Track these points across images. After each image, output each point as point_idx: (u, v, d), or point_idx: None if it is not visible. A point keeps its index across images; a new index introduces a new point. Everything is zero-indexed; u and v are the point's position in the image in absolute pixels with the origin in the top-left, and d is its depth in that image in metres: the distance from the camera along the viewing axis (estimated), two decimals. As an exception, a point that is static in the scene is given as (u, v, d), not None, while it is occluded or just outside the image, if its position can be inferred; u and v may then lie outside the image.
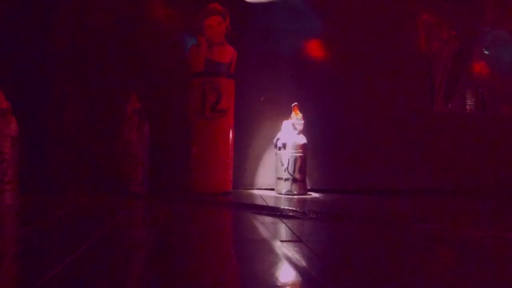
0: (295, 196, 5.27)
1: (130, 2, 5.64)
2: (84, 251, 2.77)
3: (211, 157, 5.25)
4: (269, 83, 5.77)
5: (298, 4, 5.85)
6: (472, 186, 5.93)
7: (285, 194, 5.34)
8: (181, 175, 5.33)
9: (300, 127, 5.41)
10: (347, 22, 5.94)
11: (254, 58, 5.69)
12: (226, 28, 5.34)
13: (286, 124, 5.45)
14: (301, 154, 5.38)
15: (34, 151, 5.24)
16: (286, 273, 2.50)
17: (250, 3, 5.73)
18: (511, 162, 6.16)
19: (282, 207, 4.39)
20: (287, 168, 5.34)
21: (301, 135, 5.42)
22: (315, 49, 5.93)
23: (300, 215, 4.11)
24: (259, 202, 4.83)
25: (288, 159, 5.35)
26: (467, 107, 6.43)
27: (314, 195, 5.45)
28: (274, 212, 4.20)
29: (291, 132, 5.40)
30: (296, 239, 3.24)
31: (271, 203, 4.79)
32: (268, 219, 3.95)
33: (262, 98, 5.77)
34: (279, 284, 2.30)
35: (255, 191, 5.62)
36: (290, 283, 2.36)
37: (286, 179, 5.36)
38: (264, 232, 3.55)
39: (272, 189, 5.60)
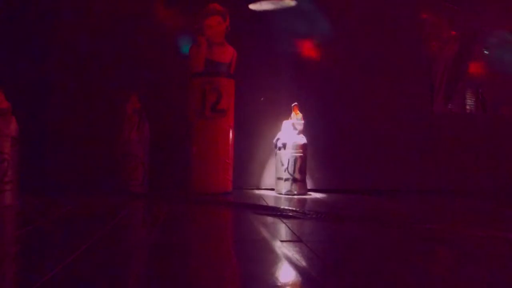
0: (295, 196, 5.27)
1: (130, 2, 5.64)
2: (84, 251, 2.77)
3: (211, 157, 5.25)
4: (269, 83, 5.77)
5: (299, 4, 5.85)
6: (472, 186, 5.93)
7: (285, 194, 5.34)
8: (181, 175, 5.34)
9: (300, 127, 5.41)
10: (347, 22, 5.93)
11: (254, 58, 5.69)
12: (226, 28, 5.34)
13: (286, 124, 5.45)
14: (301, 154, 5.38)
15: (34, 151, 5.24)
16: (286, 273, 2.50)
17: (250, 3, 5.73)
18: (511, 162, 6.16)
19: (282, 207, 4.39)
20: (287, 168, 5.34)
21: (301, 135, 5.42)
22: (315, 49, 5.93)
23: (300, 215, 4.11)
24: (259, 202, 4.83)
25: (288, 159, 5.35)
26: (467, 107, 6.42)
27: (314, 195, 5.46)
28: (274, 212, 4.20)
29: (291, 132, 5.40)
30: (296, 239, 3.24)
31: (271, 203, 4.79)
32: (268, 219, 3.95)
33: (262, 98, 5.77)
34: (279, 284, 2.30)
35: (255, 191, 5.63)
36: (290, 283, 2.36)
37: (286, 179, 5.36)
38: (264, 232, 3.55)
39: (272, 189, 5.60)
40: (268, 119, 5.70)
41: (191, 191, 5.26)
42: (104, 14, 5.54)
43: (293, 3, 5.43)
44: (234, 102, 5.40)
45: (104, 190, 5.17)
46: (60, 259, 2.55)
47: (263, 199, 5.03)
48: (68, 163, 5.39)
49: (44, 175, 5.27)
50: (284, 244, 3.06)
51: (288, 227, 3.62)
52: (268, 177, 5.75)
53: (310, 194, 5.45)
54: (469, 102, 6.42)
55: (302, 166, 5.38)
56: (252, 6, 5.46)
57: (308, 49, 5.95)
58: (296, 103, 5.45)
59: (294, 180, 5.34)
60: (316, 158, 5.77)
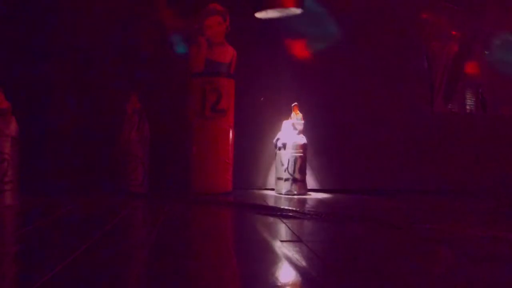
0: (295, 196, 5.27)
1: (130, 2, 5.64)
2: (84, 251, 2.77)
3: (211, 157, 5.26)
4: (269, 83, 5.77)
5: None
6: (472, 186, 5.93)
7: (285, 194, 5.34)
8: (181, 175, 5.34)
9: (300, 127, 5.41)
10: (348, 22, 5.93)
11: (254, 58, 5.69)
12: (226, 28, 5.34)
13: (286, 124, 5.45)
14: (301, 154, 5.38)
15: (34, 151, 5.24)
16: (286, 273, 2.50)
17: (249, 3, 5.73)
18: (511, 162, 6.15)
19: (282, 207, 4.39)
20: (287, 168, 5.34)
21: (301, 135, 5.42)
22: (315, 49, 5.93)
23: (300, 215, 4.11)
24: (259, 202, 4.83)
25: (288, 159, 5.35)
26: (467, 107, 6.42)
27: (314, 195, 5.45)
28: (274, 212, 4.20)
29: (291, 132, 5.40)
30: (296, 239, 3.24)
31: (271, 203, 4.79)
32: (268, 219, 3.95)
33: (262, 98, 5.77)
34: (279, 284, 2.30)
35: (255, 191, 5.63)
36: (290, 283, 2.36)
37: (286, 179, 5.36)
38: (264, 232, 3.55)
39: (272, 189, 5.60)
40: (268, 119, 5.70)
41: (191, 191, 5.26)
42: (104, 14, 5.53)
43: (298, 11, 5.44)
44: (234, 102, 5.40)
45: (104, 190, 5.17)
46: (60, 259, 2.55)
47: (263, 199, 5.03)
48: (68, 163, 5.39)
49: (44, 175, 5.27)
50: (284, 244, 3.06)
51: (288, 227, 3.62)
52: (268, 177, 5.75)
53: (310, 194, 5.45)
54: (469, 102, 6.42)
55: (302, 166, 5.38)
56: (258, 15, 5.48)
57: (308, 49, 5.94)
58: (296, 103, 5.45)
59: (294, 180, 5.34)
60: (316, 158, 5.77)
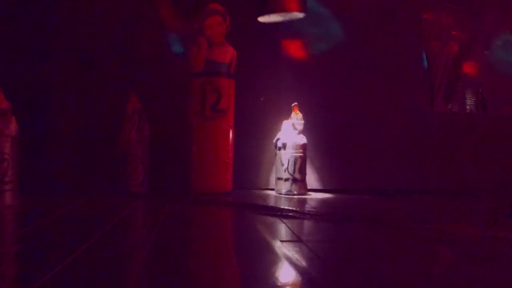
0: (295, 196, 5.27)
1: (130, 2, 5.64)
2: (84, 251, 2.77)
3: (211, 157, 5.25)
4: (269, 83, 5.77)
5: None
6: (472, 186, 5.93)
7: (285, 194, 5.34)
8: (181, 175, 5.33)
9: (300, 127, 5.41)
10: (348, 22, 5.93)
11: (254, 58, 5.69)
12: (226, 28, 5.34)
13: (286, 124, 5.45)
14: (301, 154, 5.38)
15: (34, 151, 5.24)
16: (286, 273, 2.50)
17: (249, 3, 5.73)
18: (511, 162, 6.15)
19: (282, 207, 4.39)
20: (287, 168, 5.34)
21: (301, 135, 5.42)
22: (315, 49, 5.93)
23: (300, 215, 4.11)
24: (259, 202, 4.83)
25: (288, 159, 5.35)
26: (467, 107, 6.42)
27: (314, 195, 5.45)
28: (274, 212, 4.20)
29: (291, 132, 5.40)
30: (296, 239, 3.24)
31: (271, 203, 4.79)
32: (268, 219, 3.95)
33: (262, 98, 5.77)
34: (279, 284, 2.30)
35: (255, 191, 5.62)
36: (290, 283, 2.36)
37: (286, 179, 5.36)
38: (264, 232, 3.55)
39: (272, 189, 5.60)
40: (268, 119, 5.69)
41: (191, 191, 5.26)
42: (104, 14, 5.53)
43: (301, 15, 5.46)
44: (234, 102, 5.40)
45: (104, 190, 5.17)
46: (60, 259, 2.55)
47: (263, 199, 5.03)
48: (68, 163, 5.39)
49: (44, 175, 5.26)
50: (284, 244, 3.06)
51: (288, 227, 3.62)
52: (268, 177, 5.75)
53: (310, 194, 5.45)
54: (469, 102, 6.42)
55: (302, 166, 5.37)
56: (261, 19, 5.49)
57: (308, 49, 5.94)
58: (296, 103, 5.44)
59: (294, 180, 5.34)
60: (316, 158, 5.77)
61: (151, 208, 4.66)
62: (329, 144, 5.83)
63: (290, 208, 4.31)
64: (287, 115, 5.47)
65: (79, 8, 5.57)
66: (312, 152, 5.66)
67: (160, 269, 2.53)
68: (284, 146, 5.38)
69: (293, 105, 5.44)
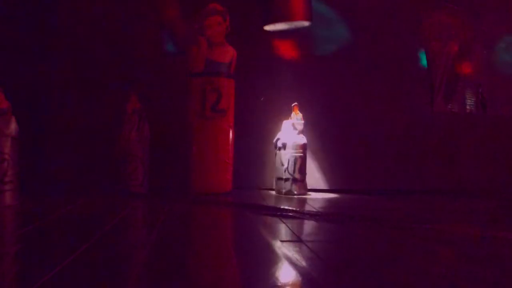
0: (295, 196, 5.27)
1: (130, 2, 5.64)
2: (84, 251, 2.77)
3: (211, 157, 5.25)
4: (269, 83, 5.77)
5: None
6: (472, 186, 5.93)
7: (285, 194, 5.33)
8: (181, 175, 5.33)
9: (300, 127, 5.41)
10: (348, 22, 5.94)
11: (254, 58, 5.69)
12: (226, 28, 5.34)
13: (286, 124, 5.45)
14: (301, 154, 5.38)
15: (34, 151, 5.24)
16: (286, 273, 2.50)
17: (249, 3, 5.73)
18: (511, 162, 6.15)
19: (282, 207, 4.39)
20: (287, 168, 5.34)
21: (301, 135, 5.42)
22: (315, 49, 5.93)
23: (300, 215, 4.11)
24: (259, 202, 4.83)
25: (288, 159, 5.35)
26: (467, 107, 6.42)
27: (314, 195, 5.45)
28: (274, 212, 4.20)
29: (291, 132, 5.40)
30: (296, 239, 3.24)
31: (271, 203, 4.79)
32: (268, 219, 3.95)
33: (262, 98, 5.77)
34: (279, 284, 2.30)
35: (255, 191, 5.62)
36: (290, 283, 2.36)
37: (286, 179, 5.36)
38: (264, 232, 3.55)
39: (272, 189, 5.60)
40: (268, 119, 5.69)
41: (191, 191, 5.26)
42: (104, 14, 5.53)
43: (307, 24, 5.48)
44: (234, 102, 5.40)
45: (104, 190, 5.17)
46: (60, 259, 2.55)
47: (263, 199, 5.03)
48: (68, 163, 5.39)
49: (44, 175, 5.27)
50: (284, 244, 3.06)
51: (288, 227, 3.62)
52: (268, 177, 5.74)
53: (310, 194, 5.45)
54: (469, 102, 6.42)
55: (302, 166, 5.37)
56: (267, 27, 5.51)
57: (308, 49, 5.94)
58: (296, 103, 5.44)
59: (294, 180, 5.34)
60: (316, 158, 5.77)
61: (151, 208, 4.66)
62: (329, 144, 5.83)
63: (290, 208, 4.31)
64: (287, 115, 5.47)
65: (79, 8, 5.57)
66: (312, 152, 5.66)
67: (160, 269, 2.53)
68: (284, 146, 5.38)
69: (293, 105, 5.44)
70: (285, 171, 5.36)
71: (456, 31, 6.38)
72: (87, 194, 5.03)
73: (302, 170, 5.38)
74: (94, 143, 5.38)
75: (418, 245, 3.23)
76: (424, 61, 6.21)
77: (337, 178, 5.86)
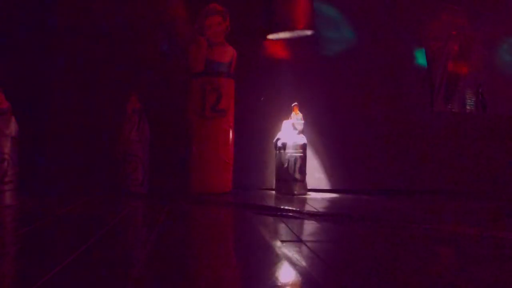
0: (295, 196, 5.27)
1: (130, 2, 5.64)
2: (84, 251, 2.77)
3: (211, 157, 5.25)
4: (269, 83, 5.77)
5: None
6: (472, 186, 5.93)
7: (285, 194, 5.33)
8: (181, 175, 5.33)
9: (300, 127, 5.41)
10: (348, 22, 5.94)
11: (254, 58, 5.69)
12: (226, 28, 5.34)
13: (286, 124, 5.45)
14: (301, 154, 5.38)
15: (34, 151, 5.24)
16: (286, 273, 2.50)
17: (249, 3, 5.74)
18: (511, 162, 6.15)
19: (282, 207, 4.39)
20: (287, 168, 5.34)
21: (301, 135, 5.42)
22: (315, 49, 5.93)
23: (300, 215, 4.11)
24: (259, 202, 4.83)
25: (288, 159, 5.35)
26: (467, 107, 6.42)
27: (314, 195, 5.45)
28: (274, 212, 4.20)
29: (291, 132, 5.40)
30: (296, 239, 3.24)
31: (271, 203, 4.79)
32: (268, 219, 3.95)
33: (262, 98, 5.77)
34: (279, 284, 2.30)
35: (255, 191, 5.62)
36: (290, 283, 2.36)
37: (286, 179, 5.36)
38: (264, 232, 3.55)
39: (272, 189, 5.60)
40: (268, 119, 5.70)
41: (191, 191, 5.26)
42: (104, 14, 5.53)
43: (309, 33, 5.51)
44: (234, 102, 5.40)
45: (104, 190, 5.17)
46: (60, 259, 2.55)
47: (263, 199, 5.03)
48: (68, 163, 5.39)
49: (44, 175, 5.27)
50: (284, 244, 3.06)
51: (288, 227, 3.62)
52: (268, 177, 5.75)
53: (310, 194, 5.45)
54: (469, 102, 6.42)
55: (302, 166, 5.37)
56: (270, 36, 5.53)
57: (308, 49, 5.94)
58: (296, 103, 5.44)
59: (294, 180, 5.34)
60: (316, 158, 5.77)
61: (151, 208, 4.66)
62: (329, 144, 5.84)
63: (290, 208, 4.31)
64: (287, 115, 5.47)
65: (79, 8, 5.57)
66: (312, 152, 5.66)
67: (160, 269, 2.53)
68: (284, 146, 5.38)
69: (293, 105, 5.44)
70: (285, 171, 5.36)
71: (456, 31, 6.38)
72: (87, 194, 5.03)
73: (302, 170, 5.38)
74: (94, 143, 5.38)
75: (418, 245, 3.23)
76: (424, 61, 6.21)
77: (337, 178, 5.86)
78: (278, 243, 3.08)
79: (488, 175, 6.06)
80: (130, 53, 5.54)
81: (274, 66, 5.79)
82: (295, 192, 5.33)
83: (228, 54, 5.36)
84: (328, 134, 5.82)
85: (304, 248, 2.95)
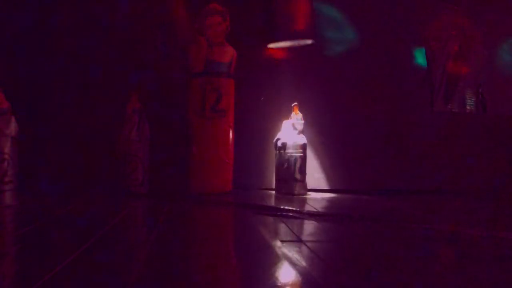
0: (295, 196, 5.27)
1: (130, 2, 5.64)
2: (84, 251, 2.77)
3: (211, 157, 5.25)
4: (269, 83, 5.76)
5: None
6: (472, 186, 5.92)
7: (285, 194, 5.33)
8: (181, 175, 5.33)
9: (300, 127, 5.41)
10: (348, 23, 5.93)
11: (254, 58, 5.69)
12: (226, 28, 5.34)
13: (286, 124, 5.45)
14: (301, 154, 5.38)
15: (34, 151, 5.24)
16: (286, 273, 2.50)
17: (249, 3, 5.74)
18: (511, 162, 6.15)
19: (282, 207, 4.39)
20: (287, 168, 5.34)
21: (301, 135, 5.42)
22: (315, 49, 5.92)
23: (300, 215, 4.11)
24: (259, 202, 4.83)
25: (288, 159, 5.35)
26: (467, 107, 6.42)
27: (314, 195, 5.45)
28: (274, 212, 4.20)
29: (291, 132, 5.40)
30: (296, 239, 3.24)
31: (271, 203, 4.79)
32: (268, 219, 3.95)
33: (262, 98, 5.77)
34: (279, 284, 2.30)
35: (255, 191, 5.62)
36: (290, 283, 2.36)
37: (286, 179, 5.36)
38: (264, 232, 3.55)
39: (272, 189, 5.60)
40: (268, 119, 5.69)
41: (191, 191, 5.26)
42: (104, 14, 5.53)
43: (309, 42, 5.53)
44: (234, 102, 5.40)
45: (104, 190, 5.17)
46: (60, 259, 2.55)
47: (263, 199, 5.03)
48: (68, 163, 5.39)
49: (44, 175, 5.26)
50: (284, 244, 3.06)
51: (288, 227, 3.62)
52: (268, 177, 5.74)
53: (310, 194, 5.45)
54: (469, 102, 6.42)
55: (302, 166, 5.37)
56: (271, 45, 5.56)
57: (308, 49, 5.93)
58: (296, 103, 5.44)
59: (294, 180, 5.34)
60: (316, 158, 5.77)
61: (151, 208, 4.66)
62: (329, 144, 5.83)
63: (290, 208, 4.31)
64: (287, 115, 5.47)
65: (79, 8, 5.57)
66: (312, 152, 5.66)
67: (160, 269, 2.53)
68: (284, 146, 5.38)
69: (293, 105, 5.44)
70: (285, 171, 5.35)
71: (456, 31, 6.38)
72: (87, 194, 5.03)
73: (302, 170, 5.38)
74: (94, 143, 5.38)
75: (418, 245, 3.23)
76: (424, 61, 6.21)
77: (337, 178, 5.86)
78: (278, 243, 3.08)
79: (488, 175, 6.06)
80: (130, 53, 5.54)
81: (274, 66, 5.79)
82: (295, 192, 5.33)
83: (228, 54, 5.36)
84: (328, 134, 5.82)
85: (304, 248, 2.95)
